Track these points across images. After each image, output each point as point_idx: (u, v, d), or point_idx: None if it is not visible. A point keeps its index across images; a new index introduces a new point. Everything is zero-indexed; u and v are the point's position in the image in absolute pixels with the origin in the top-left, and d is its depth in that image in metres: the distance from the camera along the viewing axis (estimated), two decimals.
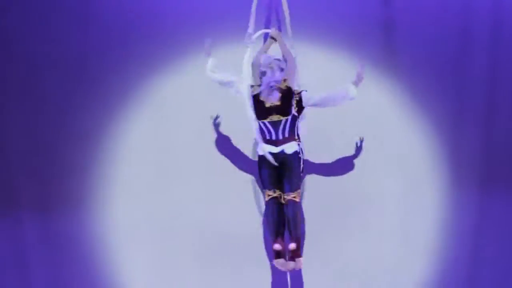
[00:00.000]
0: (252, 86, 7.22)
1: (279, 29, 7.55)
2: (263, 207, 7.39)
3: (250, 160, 7.64)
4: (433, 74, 7.81)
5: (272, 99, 7.14)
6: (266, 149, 7.14)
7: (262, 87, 7.16)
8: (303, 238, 7.41)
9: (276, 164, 7.11)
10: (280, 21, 7.60)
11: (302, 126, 7.22)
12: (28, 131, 7.71)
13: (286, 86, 7.16)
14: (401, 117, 7.80)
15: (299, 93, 7.18)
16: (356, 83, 7.11)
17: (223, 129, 7.69)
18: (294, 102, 7.14)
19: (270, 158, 7.12)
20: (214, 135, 7.71)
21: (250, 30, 7.37)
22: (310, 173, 7.60)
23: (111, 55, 7.74)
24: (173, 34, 7.75)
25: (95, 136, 7.73)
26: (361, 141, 7.65)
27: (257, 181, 7.56)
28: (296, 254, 7.12)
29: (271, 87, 7.13)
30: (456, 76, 7.83)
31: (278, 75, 7.13)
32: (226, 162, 7.70)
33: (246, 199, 7.67)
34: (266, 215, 7.25)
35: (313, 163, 7.60)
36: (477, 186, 7.77)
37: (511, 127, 7.84)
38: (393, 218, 7.73)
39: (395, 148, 7.79)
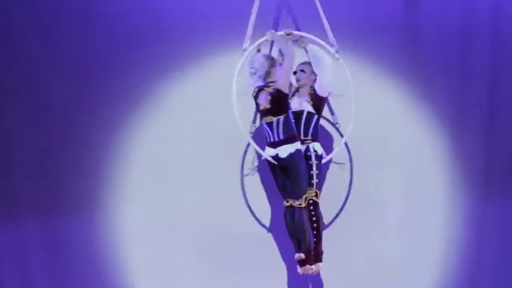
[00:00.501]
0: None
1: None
2: (261, 208, 7.43)
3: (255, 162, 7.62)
4: (437, 77, 7.83)
5: (262, 102, 7.00)
6: (267, 153, 7.01)
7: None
8: (320, 243, 7.20)
9: (279, 169, 7.00)
10: (279, 22, 7.60)
11: None
12: (31, 134, 7.70)
13: (274, 88, 6.96)
14: (405, 120, 7.82)
15: (312, 86, 7.11)
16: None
17: (225, 132, 7.60)
18: (308, 99, 7.05)
19: (271, 160, 7.01)
20: (218, 141, 7.68)
21: (247, 36, 7.23)
22: None
23: (119, 60, 7.74)
24: (182, 40, 7.73)
25: (98, 140, 7.73)
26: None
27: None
28: (308, 262, 6.95)
29: (256, 91, 7.01)
30: (459, 78, 7.84)
31: (258, 81, 6.97)
32: (229, 166, 7.66)
33: (251, 201, 7.65)
34: (285, 225, 7.11)
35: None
36: (480, 189, 7.80)
37: None
38: (393, 220, 7.74)
39: (398, 151, 7.79)
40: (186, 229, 7.68)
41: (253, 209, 7.62)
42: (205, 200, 7.68)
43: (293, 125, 6.99)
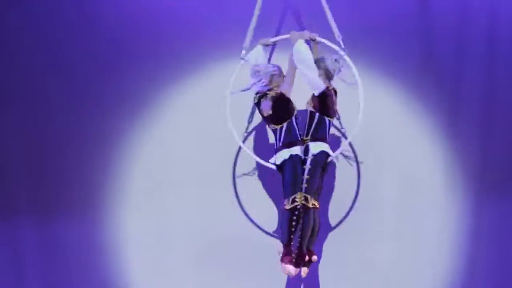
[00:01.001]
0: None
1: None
2: (263, 212, 7.43)
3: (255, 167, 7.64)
4: (433, 79, 7.80)
5: (265, 109, 6.99)
6: (271, 160, 7.09)
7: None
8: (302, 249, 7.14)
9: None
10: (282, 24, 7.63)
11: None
12: (29, 137, 7.74)
13: (277, 93, 6.97)
14: (401, 122, 7.80)
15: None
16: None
17: (222, 137, 7.54)
18: (309, 99, 7.02)
19: (271, 166, 7.09)
20: (214, 146, 7.68)
21: (245, 44, 7.24)
22: None
23: (117, 65, 7.76)
24: (179, 46, 7.73)
25: (95, 144, 7.74)
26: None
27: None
28: (286, 260, 6.90)
29: (258, 97, 7.01)
30: (454, 80, 7.83)
31: (257, 86, 6.97)
32: (226, 170, 7.66)
33: (251, 206, 7.66)
34: None
35: None
36: (479, 189, 7.77)
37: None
38: (392, 223, 7.73)
39: (394, 154, 7.77)
40: (184, 232, 7.68)
41: (250, 213, 7.63)
42: (203, 204, 7.68)
43: (296, 132, 7.00)
